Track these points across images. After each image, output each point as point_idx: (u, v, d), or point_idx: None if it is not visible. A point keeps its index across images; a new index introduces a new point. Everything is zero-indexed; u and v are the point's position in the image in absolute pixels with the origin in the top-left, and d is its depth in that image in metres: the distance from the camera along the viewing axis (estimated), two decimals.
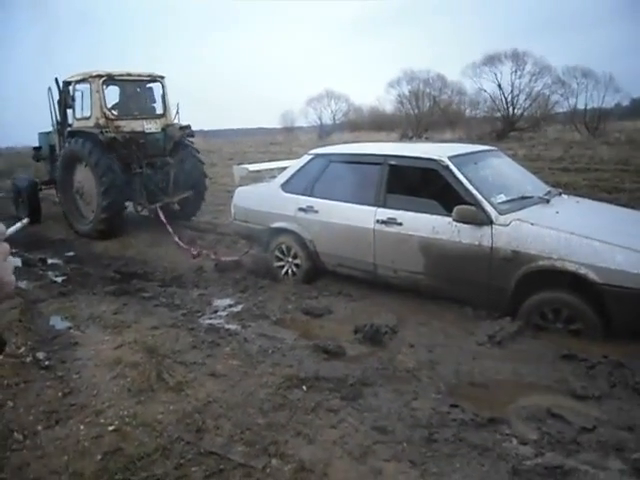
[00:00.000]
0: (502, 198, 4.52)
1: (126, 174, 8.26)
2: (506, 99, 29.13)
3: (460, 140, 23.14)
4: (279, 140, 33.51)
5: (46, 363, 3.84)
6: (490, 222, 4.26)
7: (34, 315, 4.85)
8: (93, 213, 8.38)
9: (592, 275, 3.74)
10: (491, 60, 29.32)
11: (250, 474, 2.57)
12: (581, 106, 27.78)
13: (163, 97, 9.20)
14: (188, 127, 9.07)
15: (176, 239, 7.52)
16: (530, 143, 22.70)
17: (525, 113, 29.03)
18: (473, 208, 4.32)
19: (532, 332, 3.99)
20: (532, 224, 4.13)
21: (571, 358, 3.58)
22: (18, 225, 0.88)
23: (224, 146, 29.56)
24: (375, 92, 63.17)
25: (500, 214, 4.28)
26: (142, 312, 4.92)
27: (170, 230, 7.69)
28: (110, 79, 8.58)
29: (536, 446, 2.70)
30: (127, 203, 8.67)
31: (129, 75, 8.86)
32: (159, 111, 9.22)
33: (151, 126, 8.80)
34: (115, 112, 8.68)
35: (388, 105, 36.65)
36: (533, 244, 4.04)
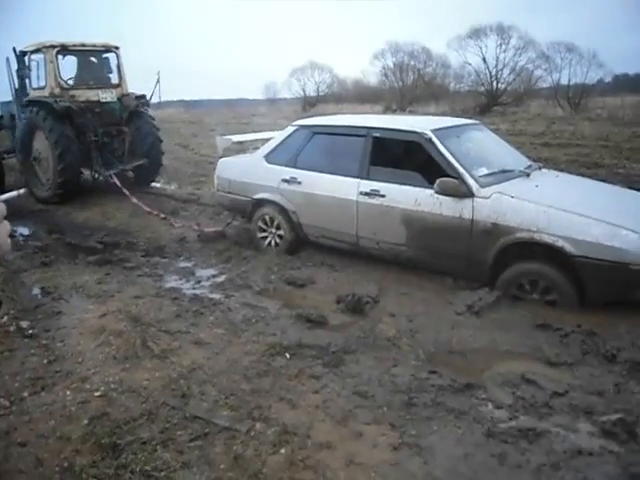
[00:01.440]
0: (483, 171, 4.58)
1: (82, 142, 8.51)
2: (490, 73, 29.08)
3: (444, 114, 23.13)
4: (262, 111, 33.13)
5: (30, 332, 3.86)
6: (471, 194, 4.32)
7: (16, 285, 4.83)
8: (50, 179, 8.59)
9: (569, 247, 3.83)
10: (476, 33, 29.14)
11: (235, 437, 2.64)
12: (564, 81, 27.87)
13: (118, 67, 9.39)
14: (143, 97, 9.37)
15: (134, 200, 7.73)
16: (513, 118, 22.79)
17: (509, 88, 28.99)
18: (455, 181, 4.37)
19: (509, 302, 4.09)
20: (512, 197, 4.20)
21: (546, 327, 3.69)
22: (13, 193, 0.90)
23: (205, 116, 29.20)
24: (360, 64, 62.43)
25: (481, 187, 4.34)
26: (125, 282, 4.93)
27: (127, 193, 7.95)
28: (64, 49, 8.81)
29: (510, 410, 2.81)
30: (84, 171, 8.95)
31: (83, 45, 9.05)
32: (115, 81, 9.37)
33: (107, 95, 9.00)
34: (70, 82, 8.85)
35: (372, 78, 36.38)
36: (512, 217, 4.11)
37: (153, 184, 10.12)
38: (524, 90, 28.99)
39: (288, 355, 3.43)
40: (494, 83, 29.08)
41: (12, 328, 3.91)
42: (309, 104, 35.66)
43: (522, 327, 3.73)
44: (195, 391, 3.04)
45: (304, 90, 37.34)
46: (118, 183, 8.27)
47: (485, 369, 3.27)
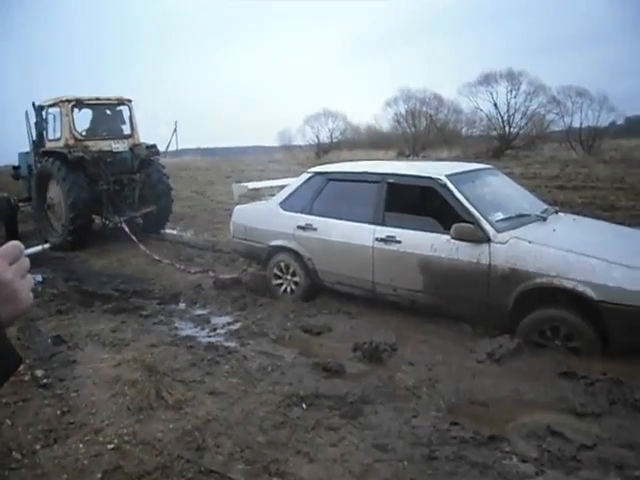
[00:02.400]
0: (500, 216, 4.56)
1: (93, 190, 8.90)
2: (502, 118, 29.43)
3: (457, 158, 23.30)
4: (277, 158, 33.67)
5: (44, 381, 3.83)
6: (488, 240, 4.29)
7: (32, 333, 4.83)
8: (62, 227, 8.96)
9: (590, 292, 3.75)
10: (487, 79, 29.68)
11: None
12: (576, 125, 28.06)
13: (130, 119, 9.85)
14: (154, 146, 9.71)
15: (142, 247, 8.01)
16: (526, 161, 22.88)
17: (521, 132, 29.27)
18: (471, 226, 4.35)
19: (531, 350, 3.99)
20: (530, 242, 4.16)
21: (570, 376, 3.58)
22: (38, 248, 0.90)
23: (222, 163, 29.72)
24: (372, 111, 63.60)
25: (498, 232, 4.31)
26: (141, 330, 4.91)
27: (135, 239, 8.33)
28: (79, 103, 9.31)
29: (536, 464, 2.70)
30: (95, 217, 9.36)
31: (97, 99, 9.59)
32: (127, 132, 9.82)
33: (119, 146, 9.46)
34: (84, 133, 9.35)
35: (385, 124, 36.88)
36: (531, 262, 4.06)
37: (169, 231, 10.29)
38: (536, 134, 29.23)
39: (305, 406, 3.35)
40: (506, 127, 29.39)
41: (27, 377, 3.89)
42: (323, 150, 36.17)
43: (546, 376, 3.62)
44: (210, 443, 2.97)
45: (318, 137, 37.96)
46: (127, 230, 8.56)
47: (509, 420, 3.15)
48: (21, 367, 3.94)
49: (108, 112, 9.88)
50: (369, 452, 2.84)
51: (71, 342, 4.60)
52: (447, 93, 44.98)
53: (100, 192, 8.99)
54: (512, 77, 28.94)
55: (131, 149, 9.54)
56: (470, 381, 3.63)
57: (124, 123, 9.88)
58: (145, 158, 9.52)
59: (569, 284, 3.86)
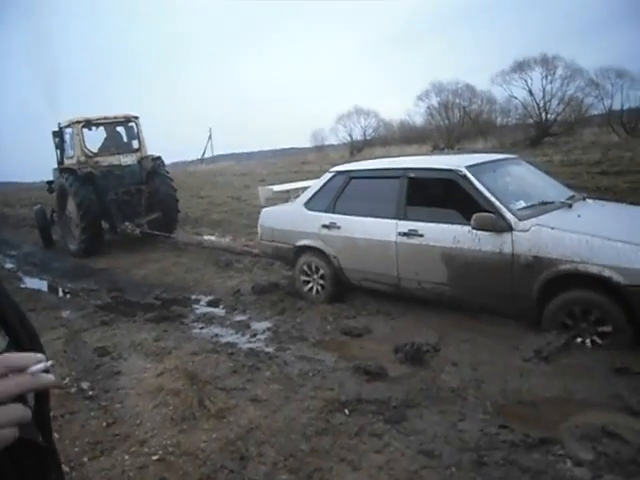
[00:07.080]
0: (521, 204, 4.46)
1: (102, 201, 9.76)
2: (538, 105, 28.55)
3: (493, 149, 22.82)
4: (310, 159, 33.66)
5: (90, 393, 3.90)
6: (510, 228, 4.19)
7: (78, 345, 4.93)
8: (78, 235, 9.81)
9: (617, 277, 3.60)
10: (520, 67, 28.85)
11: None
12: (617, 107, 27.04)
13: (137, 134, 10.58)
14: (159, 158, 10.57)
15: (164, 234, 9.61)
16: (566, 148, 22.17)
17: (559, 118, 28.35)
18: (492, 215, 4.26)
19: (581, 345, 3.83)
20: (552, 228, 4.04)
21: (624, 372, 3.40)
22: (40, 366, 0.64)
23: (257, 167, 29.93)
24: (404, 106, 62.58)
25: (519, 220, 4.21)
26: (182, 338, 4.95)
27: (164, 234, 9.93)
28: (88, 123, 10.16)
29: (593, 467, 2.57)
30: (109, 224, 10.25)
31: (105, 118, 10.43)
32: (135, 146, 10.57)
33: (127, 159, 10.25)
34: (96, 150, 10.18)
35: (418, 118, 36.40)
36: (554, 248, 3.94)
37: (207, 237, 10.58)
38: (575, 119, 28.29)
39: (347, 411, 3.30)
40: (543, 114, 28.52)
41: (73, 390, 3.97)
42: (356, 149, 35.98)
43: (598, 373, 3.46)
44: (253, 453, 2.95)
45: (351, 135, 37.73)
46: (149, 231, 9.98)
47: (560, 421, 3.02)
48: (67, 380, 4.03)
49: (116, 129, 10.63)
50: (415, 459, 2.76)
51: (115, 353, 4.68)
52: (480, 83, 43.91)
53: (109, 203, 9.82)
54: (547, 62, 28.05)
55: (139, 162, 10.25)
56: (517, 380, 3.50)
57: (134, 138, 10.53)
58: (151, 170, 10.21)
59: (594, 269, 3.72)
